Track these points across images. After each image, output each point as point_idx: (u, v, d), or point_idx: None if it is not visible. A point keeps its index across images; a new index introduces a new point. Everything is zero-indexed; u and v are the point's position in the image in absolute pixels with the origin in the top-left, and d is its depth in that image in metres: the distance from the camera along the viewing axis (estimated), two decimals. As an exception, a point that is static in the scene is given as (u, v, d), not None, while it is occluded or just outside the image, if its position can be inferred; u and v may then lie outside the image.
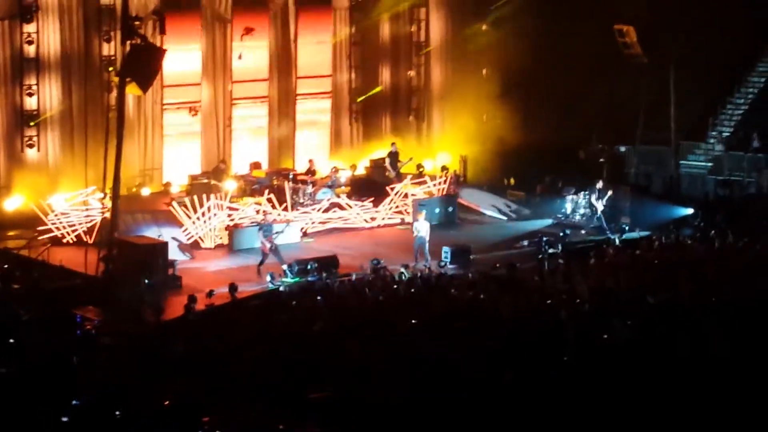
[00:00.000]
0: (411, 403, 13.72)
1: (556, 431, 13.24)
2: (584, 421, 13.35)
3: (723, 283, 20.71)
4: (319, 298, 21.00)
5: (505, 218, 31.22)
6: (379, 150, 34.25)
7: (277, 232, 26.02)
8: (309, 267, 24.45)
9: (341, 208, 29.96)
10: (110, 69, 29.10)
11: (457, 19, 36.80)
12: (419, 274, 23.98)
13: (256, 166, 32.78)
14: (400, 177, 32.59)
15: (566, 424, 13.28)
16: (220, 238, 27.59)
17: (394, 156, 33.18)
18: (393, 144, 33.72)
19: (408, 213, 30.31)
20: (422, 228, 26.56)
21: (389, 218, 30.32)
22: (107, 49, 29.86)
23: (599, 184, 29.99)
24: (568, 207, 30.91)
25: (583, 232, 29.70)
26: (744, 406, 13.55)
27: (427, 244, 26.38)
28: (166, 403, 13.58)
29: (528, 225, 30.24)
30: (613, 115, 34.54)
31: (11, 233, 27.24)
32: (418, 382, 14.35)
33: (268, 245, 25.61)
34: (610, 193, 29.63)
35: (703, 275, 21.63)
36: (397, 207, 30.54)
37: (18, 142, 29.17)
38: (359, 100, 35.79)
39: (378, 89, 35.88)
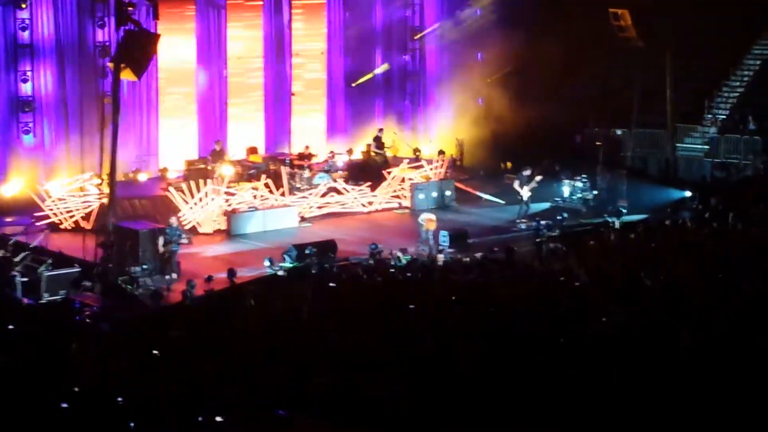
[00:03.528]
0: (407, 389, 13.72)
1: (553, 416, 13.25)
2: (580, 404, 13.37)
3: (720, 265, 20.72)
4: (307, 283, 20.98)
5: (502, 202, 31.22)
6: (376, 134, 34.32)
7: (176, 242, 24.04)
8: (307, 252, 24.44)
9: (338, 192, 29.96)
10: (104, 55, 29.04)
11: (451, 3, 36.76)
12: (417, 259, 23.99)
13: (252, 151, 32.77)
14: (386, 160, 32.72)
15: (563, 408, 13.29)
16: (218, 223, 27.58)
17: (378, 140, 33.32)
18: (380, 130, 33.97)
19: (405, 197, 30.33)
20: (424, 218, 26.58)
21: (387, 202, 30.32)
22: (101, 35, 29.81)
23: (527, 171, 29.41)
24: (565, 191, 30.90)
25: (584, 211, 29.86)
26: (743, 389, 13.57)
27: (431, 234, 26.31)
28: (166, 390, 13.57)
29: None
30: (609, 98, 34.47)
31: (9, 219, 27.19)
32: (414, 368, 14.35)
33: (162, 250, 23.88)
34: (539, 178, 29.38)
35: (700, 257, 21.64)
36: (394, 191, 30.54)
37: (14, 128, 29.14)
38: (355, 84, 35.77)
39: (385, 67, 35.68)
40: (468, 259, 23.44)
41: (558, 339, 15.69)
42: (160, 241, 23.88)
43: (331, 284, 20.24)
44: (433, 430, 12.95)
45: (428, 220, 26.35)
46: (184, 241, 24.58)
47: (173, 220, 24.71)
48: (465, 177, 33.44)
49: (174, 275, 23.55)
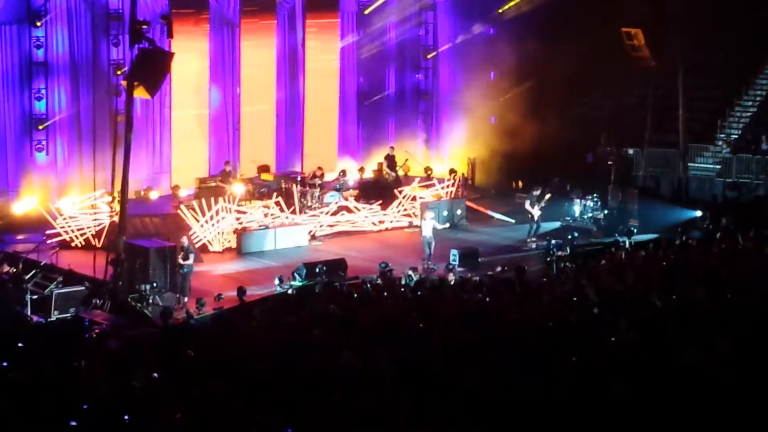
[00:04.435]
0: (417, 409, 13.70)
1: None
2: (590, 423, 13.34)
3: (731, 285, 20.64)
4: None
5: (513, 221, 31.21)
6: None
7: (182, 264, 23.80)
8: (317, 270, 24.45)
9: (349, 211, 29.98)
10: (118, 73, 29.17)
11: (464, 23, 36.84)
12: (427, 277, 23.96)
13: (264, 169, 32.82)
14: (398, 179, 32.79)
15: (572, 427, 13.26)
16: (229, 241, 27.62)
17: (391, 159, 33.39)
18: (391, 148, 33.96)
19: (416, 216, 30.34)
20: (426, 228, 26.69)
21: (397, 221, 30.33)
22: (115, 53, 29.96)
23: (536, 191, 29.47)
24: (576, 210, 30.87)
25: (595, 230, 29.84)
26: (749, 410, 13.51)
27: (431, 244, 26.42)
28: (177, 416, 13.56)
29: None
30: (621, 117, 34.49)
31: (20, 237, 27.27)
32: (423, 387, 14.33)
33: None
34: (548, 197, 29.43)
35: (711, 278, 21.57)
36: (405, 210, 30.54)
37: (27, 146, 29.27)
38: (367, 103, 35.88)
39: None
40: (478, 278, 23.40)
41: (569, 358, 15.65)
42: (188, 258, 23.83)
43: (332, 306, 20.16)
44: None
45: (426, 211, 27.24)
46: (190, 260, 24.21)
47: (184, 240, 24.57)
48: (476, 196, 33.46)
49: (185, 299, 23.39)
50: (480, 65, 36.04)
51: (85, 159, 29.61)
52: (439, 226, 27.01)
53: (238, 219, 27.94)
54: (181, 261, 23.74)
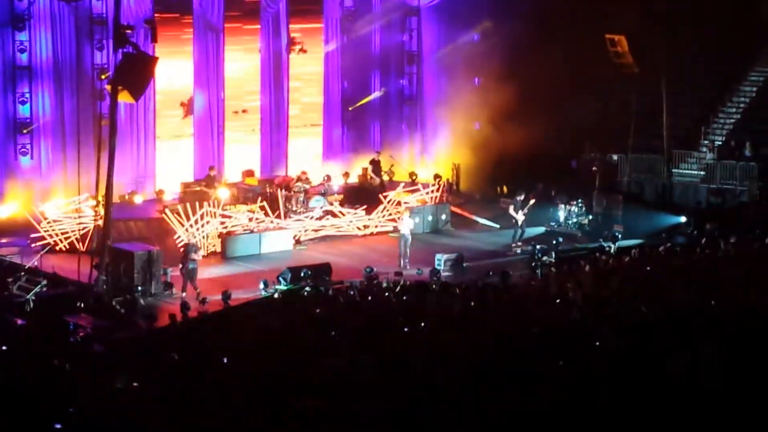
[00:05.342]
0: (400, 412, 13.70)
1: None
2: (574, 427, 13.36)
3: (715, 291, 20.71)
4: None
5: (497, 226, 31.24)
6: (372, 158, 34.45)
7: (193, 259, 24.30)
8: (302, 275, 24.45)
9: (334, 215, 29.98)
10: (103, 77, 29.09)
11: (448, 28, 36.89)
12: (409, 282, 23.98)
13: (248, 173, 32.81)
14: (383, 184, 32.81)
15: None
16: (213, 245, 27.57)
17: (376, 164, 33.40)
18: (378, 153, 34.36)
19: (401, 221, 30.33)
20: (404, 226, 26.74)
21: (382, 226, 30.34)
22: (99, 58, 29.89)
23: (520, 196, 29.61)
24: (561, 215, 30.94)
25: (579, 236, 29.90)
26: (734, 416, 13.56)
27: (407, 243, 26.50)
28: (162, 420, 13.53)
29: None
30: (605, 123, 34.59)
31: (4, 240, 27.18)
32: (409, 391, 14.33)
33: (179, 266, 24.36)
34: (532, 202, 29.52)
35: (695, 283, 21.63)
36: (390, 214, 30.55)
37: (11, 149, 29.19)
38: (352, 108, 35.87)
39: (379, 93, 35.85)
40: (463, 282, 23.41)
41: (554, 363, 15.67)
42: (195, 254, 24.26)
43: (318, 310, 20.16)
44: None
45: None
46: (198, 257, 24.61)
47: (192, 239, 25.17)
48: (461, 201, 33.49)
49: (184, 293, 23.67)
50: (464, 71, 36.09)
51: (69, 163, 29.48)
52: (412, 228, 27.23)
53: (222, 223, 27.89)
54: (194, 257, 24.04)
